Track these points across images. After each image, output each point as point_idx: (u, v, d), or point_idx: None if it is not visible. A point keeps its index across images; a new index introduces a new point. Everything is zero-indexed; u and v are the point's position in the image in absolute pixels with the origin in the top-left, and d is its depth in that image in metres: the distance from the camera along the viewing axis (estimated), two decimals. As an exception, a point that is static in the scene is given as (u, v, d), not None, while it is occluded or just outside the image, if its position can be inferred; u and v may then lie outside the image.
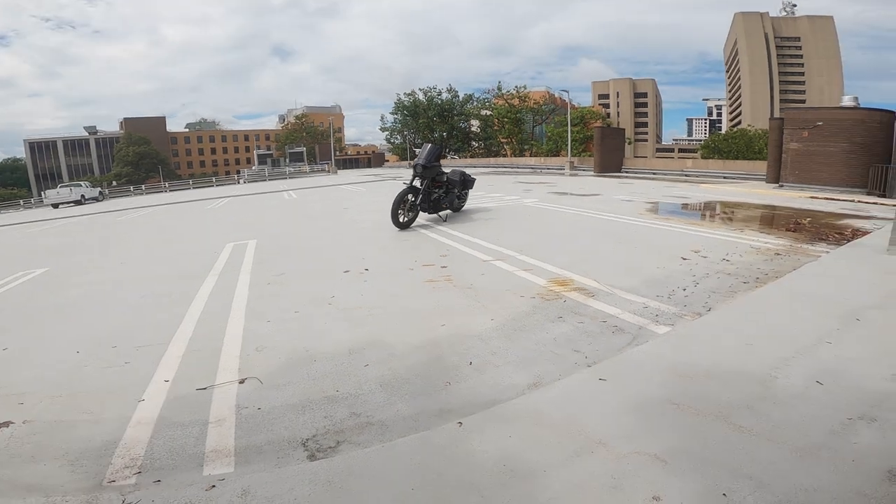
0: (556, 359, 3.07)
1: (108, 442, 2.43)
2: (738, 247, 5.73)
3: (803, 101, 78.96)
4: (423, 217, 8.98)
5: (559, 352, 3.16)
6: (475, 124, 52.81)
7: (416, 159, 8.66)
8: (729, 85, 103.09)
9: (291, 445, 2.34)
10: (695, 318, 3.56)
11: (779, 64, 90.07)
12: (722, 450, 1.99)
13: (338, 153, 62.08)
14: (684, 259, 5.27)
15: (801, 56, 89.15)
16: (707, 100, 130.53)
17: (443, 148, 26.65)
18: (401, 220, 8.17)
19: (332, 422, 2.51)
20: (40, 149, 78.36)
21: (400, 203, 8.13)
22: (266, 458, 2.25)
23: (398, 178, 24.23)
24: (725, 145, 39.48)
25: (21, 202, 43.95)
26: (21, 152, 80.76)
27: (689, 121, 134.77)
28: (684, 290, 4.24)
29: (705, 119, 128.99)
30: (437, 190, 8.65)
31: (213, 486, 1.99)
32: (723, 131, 64.94)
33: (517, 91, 47.89)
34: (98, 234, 12.90)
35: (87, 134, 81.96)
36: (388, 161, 60.64)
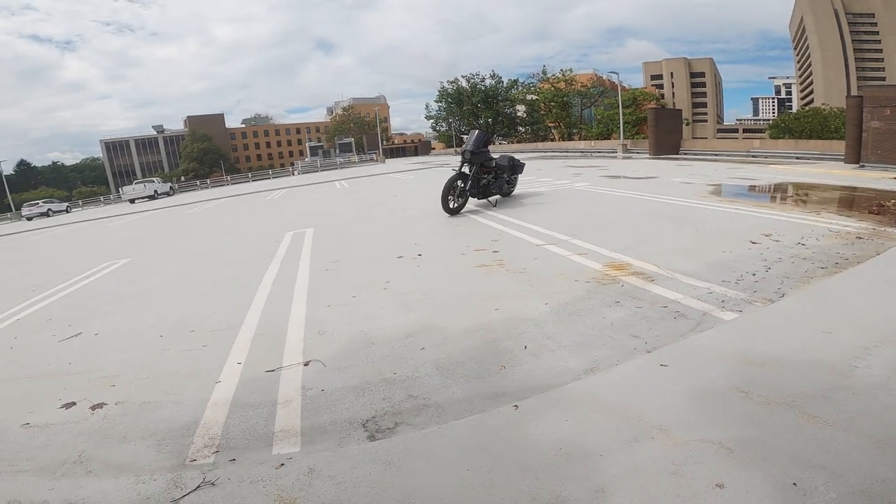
0: (614, 344, 3.00)
1: (190, 422, 2.60)
2: (815, 230, 5.31)
3: (883, 79, 71.33)
4: (472, 203, 8.98)
5: (617, 337, 3.09)
6: (521, 109, 51.72)
7: (463, 146, 8.64)
8: (798, 62, 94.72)
9: (352, 426, 2.43)
10: (766, 305, 3.36)
11: (853, 41, 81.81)
12: (793, 439, 1.90)
13: (385, 142, 62.97)
14: (754, 243, 4.95)
15: (876, 32, 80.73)
16: (774, 78, 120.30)
17: (490, 134, 26.36)
18: (451, 206, 8.21)
19: (391, 403, 2.59)
20: (115, 148, 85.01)
21: (449, 189, 8.17)
22: (329, 438, 2.34)
23: (445, 165, 24.28)
24: (797, 125, 36.60)
25: (102, 199, 48.04)
26: (97, 152, 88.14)
27: (755, 100, 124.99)
28: (754, 274, 4.00)
29: (773, 98, 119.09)
30: (485, 175, 8.61)
31: (282, 464, 2.10)
32: (794, 110, 59.78)
33: (563, 74, 46.31)
34: (171, 227, 13.89)
35: (155, 133, 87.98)
36: (434, 149, 60.82)
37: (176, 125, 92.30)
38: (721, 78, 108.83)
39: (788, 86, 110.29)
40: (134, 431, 2.58)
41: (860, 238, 4.86)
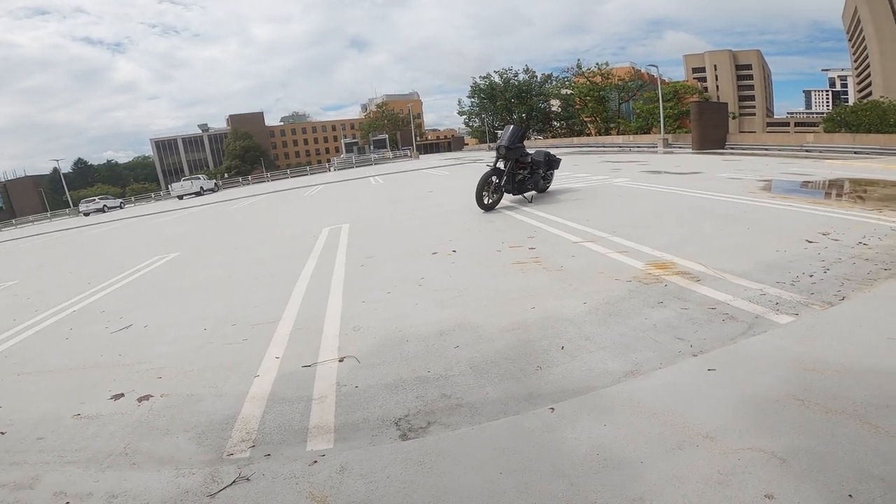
0: (657, 346, 2.87)
1: (229, 416, 2.65)
2: (878, 229, 4.92)
3: None
4: (507, 199, 8.87)
5: (660, 339, 2.95)
6: (555, 104, 50.79)
7: (498, 141, 8.54)
8: (854, 54, 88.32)
9: (385, 424, 2.41)
10: (824, 308, 3.13)
11: None
12: (851, 449, 1.78)
13: (418, 138, 63.29)
14: (810, 242, 4.64)
15: None
16: (827, 70, 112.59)
17: (525, 128, 25.95)
18: (485, 202, 8.14)
19: (424, 402, 2.57)
20: (164, 146, 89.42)
21: (484, 185, 8.09)
22: (362, 436, 2.34)
23: (479, 161, 24.13)
24: (854, 118, 34.34)
25: (152, 195, 50.64)
26: (148, 150, 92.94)
27: (807, 93, 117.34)
28: (811, 276, 3.74)
29: (827, 91, 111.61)
30: (521, 171, 8.48)
31: (315, 461, 2.12)
32: (850, 103, 55.92)
33: (599, 68, 45.12)
34: (216, 222, 14.45)
35: (200, 131, 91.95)
36: (467, 144, 60.62)
37: (219, 124, 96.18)
38: (770, 70, 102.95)
39: (844, 78, 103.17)
40: (177, 424, 2.65)
41: (931, 237, 4.47)
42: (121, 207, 36.37)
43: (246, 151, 77.83)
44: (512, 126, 8.67)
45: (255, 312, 4.43)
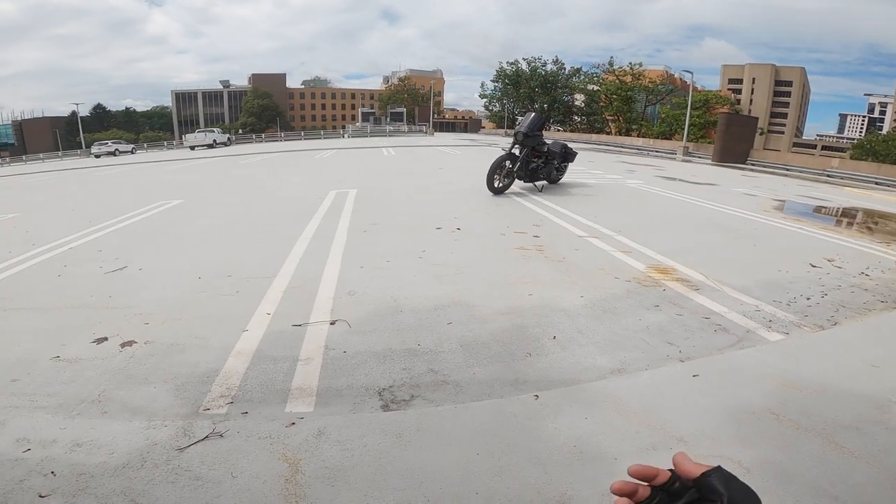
0: (646, 347, 2.88)
1: (211, 370, 2.61)
2: (882, 262, 4.88)
3: None
4: (518, 185, 8.81)
5: (651, 341, 2.96)
6: (579, 98, 49.96)
7: (517, 126, 8.44)
8: None
9: (368, 393, 2.42)
10: (815, 331, 3.13)
11: None
12: (813, 467, 1.81)
13: (436, 116, 62.56)
14: (813, 266, 4.61)
15: None
16: (870, 95, 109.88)
17: (546, 118, 25.49)
18: (496, 184, 8.10)
19: (410, 375, 2.58)
20: (184, 99, 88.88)
21: (497, 168, 8.04)
22: (343, 402, 2.33)
23: (493, 144, 23.88)
24: (884, 147, 33.68)
25: (165, 143, 50.45)
26: (167, 101, 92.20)
27: (843, 116, 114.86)
28: (808, 298, 3.73)
29: (864, 116, 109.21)
30: (535, 159, 8.40)
31: (293, 423, 2.11)
32: (884, 132, 54.79)
33: (631, 68, 44.13)
34: (225, 175, 14.41)
35: (221, 87, 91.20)
36: (484, 128, 59.94)
37: (241, 81, 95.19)
38: (810, 89, 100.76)
39: (884, 105, 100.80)
40: (156, 373, 2.60)
41: (935, 276, 4.43)
42: (132, 153, 36.27)
43: (263, 110, 77.33)
44: (533, 114, 8.57)
45: (251, 266, 4.45)
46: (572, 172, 10.87)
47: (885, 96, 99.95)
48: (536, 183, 8.75)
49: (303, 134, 49.93)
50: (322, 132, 51.95)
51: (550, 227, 5.93)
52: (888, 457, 1.86)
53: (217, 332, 3.10)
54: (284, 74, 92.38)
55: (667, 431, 2.03)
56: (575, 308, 3.45)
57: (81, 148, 42.33)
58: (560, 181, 9.56)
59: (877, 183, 14.64)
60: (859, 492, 1.68)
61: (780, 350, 2.82)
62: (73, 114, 47.18)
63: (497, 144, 22.93)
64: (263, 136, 48.57)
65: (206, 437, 2.02)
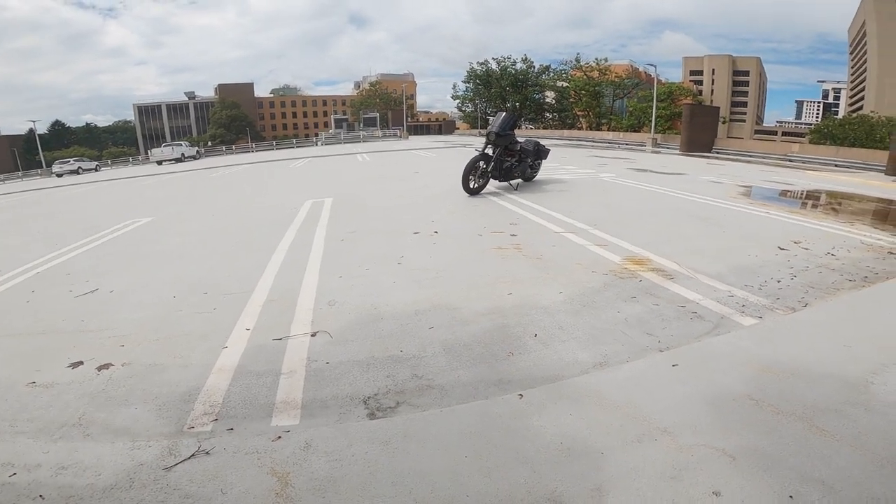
0: (626, 339, 2.93)
1: (193, 388, 2.58)
2: (847, 241, 5.08)
3: None
4: (493, 185, 8.87)
5: (630, 333, 3.02)
6: (550, 96, 50.67)
7: (489, 126, 8.50)
8: (852, 68, 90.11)
9: (353, 402, 2.41)
10: (788, 313, 3.23)
11: None
12: (797, 451, 1.85)
13: (409, 119, 62.53)
14: (781, 249, 4.76)
15: None
16: (823, 81, 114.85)
17: (517, 117, 25.71)
18: (471, 185, 8.13)
19: (394, 382, 2.57)
20: (147, 112, 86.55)
21: (471, 169, 8.08)
22: (329, 413, 2.32)
23: (468, 145, 23.99)
24: (841, 131, 35.20)
25: (130, 159, 48.96)
26: (129, 115, 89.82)
27: (799, 103, 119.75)
28: (778, 281, 3.85)
29: (819, 102, 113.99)
30: (509, 158, 8.47)
31: (280, 437, 2.09)
32: (839, 116, 57.24)
33: (597, 63, 45.07)
34: (195, 189, 14.10)
35: (186, 99, 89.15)
36: (458, 129, 60.13)
37: (207, 92, 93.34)
38: (766, 78, 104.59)
39: (837, 91, 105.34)
40: (137, 395, 2.56)
41: (892, 253, 4.64)
42: (96, 170, 35.20)
43: (232, 121, 75.94)
44: (504, 113, 8.64)
45: (228, 282, 4.36)
46: (546, 169, 11.00)
47: (838, 82, 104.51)
48: (511, 182, 8.82)
49: (275, 144, 49.11)
50: (294, 141, 51.22)
51: (527, 225, 5.98)
52: (870, 438, 1.91)
53: (196, 351, 3.04)
54: (252, 83, 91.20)
55: (650, 423, 2.06)
56: (555, 304, 3.48)
57: (42, 167, 40.84)
58: (535, 178, 9.66)
59: (836, 165, 15.24)
60: (845, 475, 1.72)
61: (755, 335, 2.90)
62: (31, 131, 45.45)
63: (472, 145, 23.05)
64: (234, 147, 47.57)
65: (193, 455, 2.00)
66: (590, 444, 1.94)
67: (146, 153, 47.12)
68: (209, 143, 57.27)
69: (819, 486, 1.67)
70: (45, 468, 1.98)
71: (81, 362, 2.97)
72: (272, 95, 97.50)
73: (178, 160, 33.69)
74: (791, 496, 1.63)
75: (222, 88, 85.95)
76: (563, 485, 1.74)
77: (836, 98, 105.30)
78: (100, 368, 2.88)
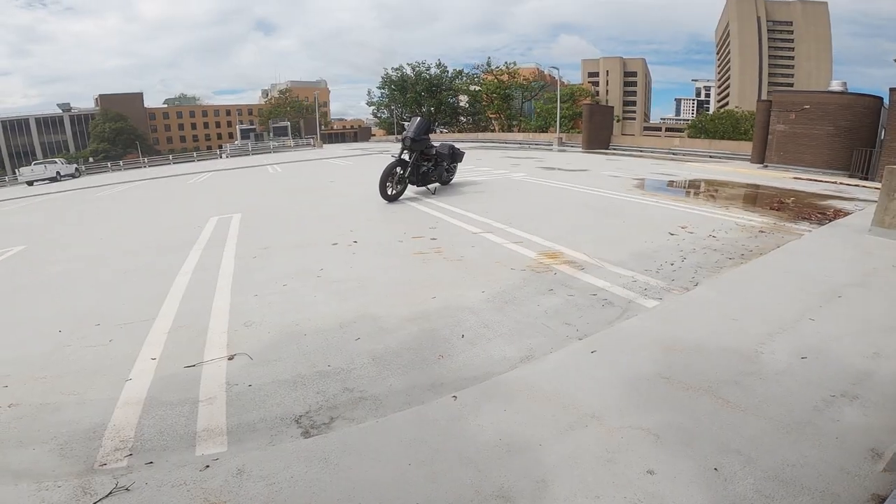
0: (548, 331, 3.08)
1: (97, 424, 2.37)
2: (724, 223, 5.78)
3: (791, 85, 79.81)
4: (411, 190, 8.88)
5: (550, 324, 3.17)
6: (464, 100, 52.02)
7: (404, 132, 8.52)
8: (718, 67, 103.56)
9: (285, 423, 2.31)
10: (682, 293, 3.60)
11: (769, 47, 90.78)
12: (711, 424, 2.02)
13: (323, 127, 60.84)
14: (671, 234, 5.30)
15: (791, 40, 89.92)
16: (696, 80, 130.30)
17: (431, 122, 25.95)
18: (389, 192, 8.08)
19: (325, 397, 2.49)
20: (12, 127, 75.08)
21: (388, 176, 8.03)
22: (260, 437, 2.21)
23: (385, 151, 23.84)
24: (712, 125, 40.01)
25: (-8, 179, 42.21)
26: (-14, 131, 77.51)
27: (678, 101, 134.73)
28: (672, 264, 4.28)
29: (693, 99, 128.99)
30: (425, 163, 8.54)
31: (208, 465, 1.96)
32: (710, 112, 65.29)
33: (507, 67, 47.18)
34: (76, 211, 12.51)
35: (60, 111, 78.76)
36: (374, 135, 59.61)
37: (86, 103, 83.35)
38: (651, 78, 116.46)
39: (708, 88, 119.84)
40: (31, 436, 2.33)
41: (763, 232, 5.36)
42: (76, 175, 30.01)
43: (118, 134, 68.53)
44: (419, 118, 8.69)
45: (123, 310, 3.92)
46: (462, 171, 11.26)
47: (708, 81, 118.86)
48: (429, 186, 8.91)
49: (171, 158, 45.10)
50: (195, 154, 47.41)
51: (446, 228, 6.07)
52: (769, 406, 2.12)
53: (94, 386, 2.74)
54: (141, 94, 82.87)
55: (579, 410, 2.17)
56: (478, 304, 3.57)
57: None
58: (451, 182, 9.83)
59: (710, 156, 17.30)
60: (757, 444, 1.89)
61: (657, 316, 3.18)
62: None
63: (388, 151, 22.91)
64: (122, 163, 42.91)
65: (111, 492, 1.83)
66: (527, 438, 2.00)
67: (14, 173, 40.92)
68: (91, 160, 51.11)
69: (738, 457, 1.82)
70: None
71: (-43, 409, 2.56)
72: (166, 106, 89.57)
73: (54, 179, 29.69)
74: (716, 468, 1.77)
75: (105, 99, 77.22)
76: (509, 480, 1.78)
77: (708, 95, 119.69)
78: (-18, 412, 2.50)
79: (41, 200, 16.67)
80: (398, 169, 8.17)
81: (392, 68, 51.47)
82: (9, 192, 24.40)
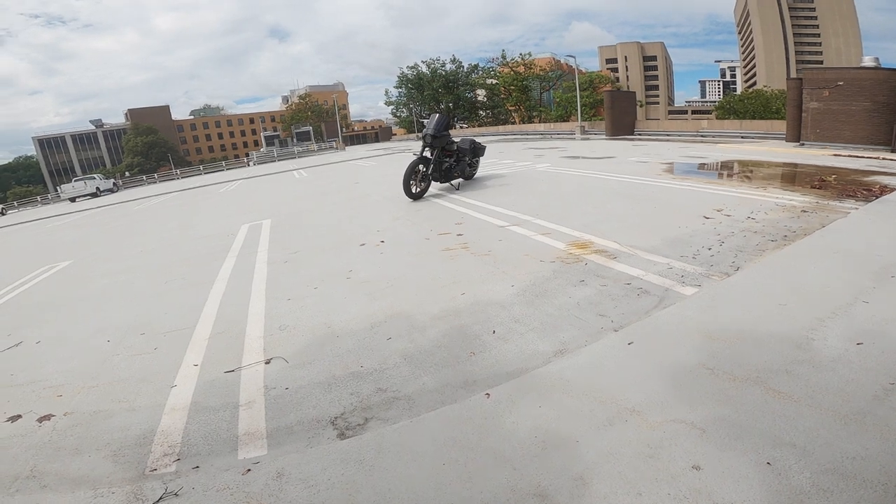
0: (581, 324, 3.01)
1: (147, 430, 2.47)
2: (763, 205, 5.53)
3: (820, 62, 76.46)
4: (435, 186, 8.89)
5: (583, 316, 3.10)
6: (481, 93, 51.69)
7: (424, 129, 8.52)
8: (742, 47, 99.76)
9: (321, 424, 2.34)
10: (722, 279, 3.45)
11: (793, 25, 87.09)
12: (762, 416, 1.91)
13: (344, 130, 61.58)
14: (707, 218, 5.11)
15: (815, 17, 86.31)
16: (720, 62, 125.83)
17: (451, 117, 25.96)
18: (413, 190, 8.10)
19: (359, 398, 2.51)
20: (50, 145, 79.06)
21: (411, 174, 8.05)
22: (297, 439, 2.25)
23: (407, 150, 23.93)
24: (741, 106, 38.59)
25: (38, 199, 44.52)
26: (29, 150, 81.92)
27: (702, 83, 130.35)
28: (709, 249, 4.12)
29: (718, 81, 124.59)
30: (447, 159, 8.52)
31: (249, 469, 2.01)
32: (738, 92, 62.84)
33: (522, 58, 46.60)
34: (117, 225, 13.07)
35: (93, 127, 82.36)
36: (395, 134, 59.96)
37: (116, 118, 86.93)
38: (672, 61, 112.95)
39: (733, 69, 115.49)
40: (87, 442, 2.43)
41: (805, 212, 5.10)
42: (2, 214, 31.86)
43: (150, 147, 71.18)
44: (437, 115, 8.68)
45: (166, 320, 4.07)
46: (485, 165, 11.20)
47: (733, 61, 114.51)
48: (452, 182, 8.89)
49: (202, 168, 46.54)
50: (224, 163, 48.85)
51: (472, 223, 6.03)
52: (824, 396, 1.98)
53: (142, 393, 2.86)
54: (168, 106, 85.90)
55: (618, 404, 2.10)
56: (508, 298, 3.52)
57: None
58: (475, 176, 9.78)
59: (742, 137, 16.62)
60: (813, 436, 1.76)
61: (697, 304, 3.04)
62: None
63: (410, 149, 22.96)
64: (156, 176, 44.58)
65: (161, 497, 1.91)
66: (564, 434, 1.95)
67: (56, 190, 43.08)
68: (126, 174, 53.35)
69: (793, 450, 1.71)
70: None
71: (20, 416, 2.78)
72: (192, 117, 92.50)
73: (94, 195, 31.12)
74: (769, 462, 1.66)
75: (134, 113, 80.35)
76: (546, 478, 1.74)
77: (733, 76, 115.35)
78: (41, 420, 2.70)
79: (83, 216, 17.49)
80: (421, 166, 8.19)
81: (407, 67, 51.71)
82: (53, 209, 25.76)
